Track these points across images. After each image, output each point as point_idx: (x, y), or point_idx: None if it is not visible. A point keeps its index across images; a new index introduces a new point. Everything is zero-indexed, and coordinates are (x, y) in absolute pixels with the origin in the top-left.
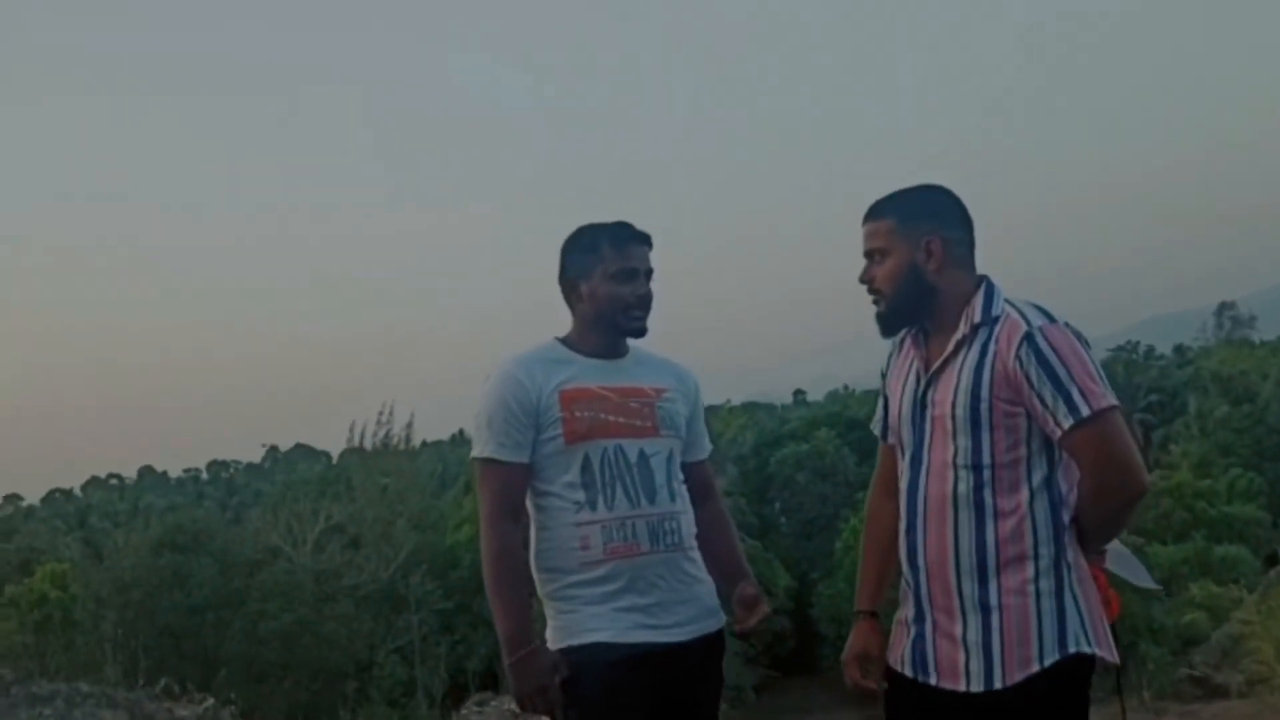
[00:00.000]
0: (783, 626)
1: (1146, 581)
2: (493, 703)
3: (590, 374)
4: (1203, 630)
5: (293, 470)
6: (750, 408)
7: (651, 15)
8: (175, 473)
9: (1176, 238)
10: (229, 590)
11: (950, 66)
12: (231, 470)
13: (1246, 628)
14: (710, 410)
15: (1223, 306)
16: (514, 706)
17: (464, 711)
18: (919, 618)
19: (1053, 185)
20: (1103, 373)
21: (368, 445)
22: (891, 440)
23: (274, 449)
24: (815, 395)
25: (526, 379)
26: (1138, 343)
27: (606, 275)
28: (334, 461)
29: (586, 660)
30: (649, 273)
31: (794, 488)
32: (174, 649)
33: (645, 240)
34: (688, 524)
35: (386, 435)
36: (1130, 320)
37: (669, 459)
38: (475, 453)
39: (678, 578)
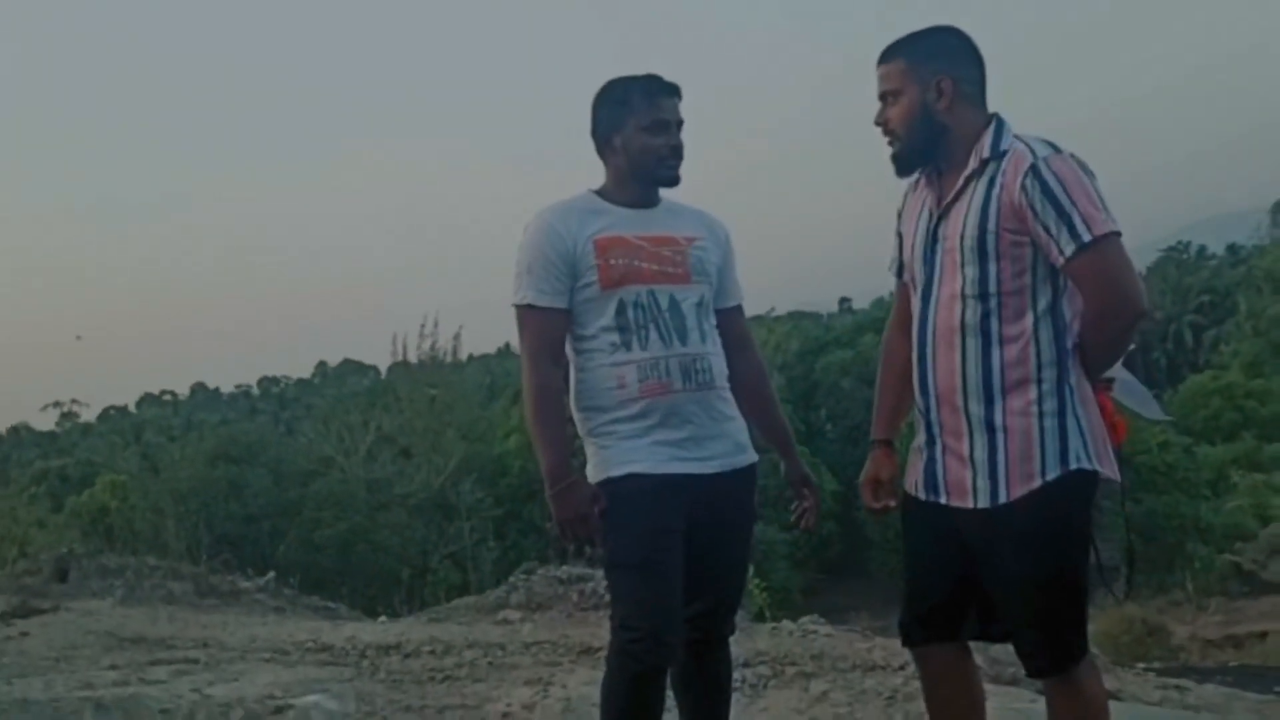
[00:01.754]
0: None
1: (1155, 412)
2: (539, 571)
3: (624, 223)
4: (1250, 527)
5: (342, 385)
6: (796, 316)
7: None
8: (227, 389)
9: (1231, 135)
10: (284, 500)
11: None
12: (282, 385)
13: None
14: (755, 319)
15: (1277, 205)
16: (559, 574)
17: (512, 580)
18: (930, 441)
19: (1105, 83)
20: (1105, 201)
21: (412, 359)
22: (906, 278)
23: (323, 364)
24: (861, 303)
25: (563, 228)
26: (1189, 243)
27: (639, 127)
28: (383, 376)
29: (624, 489)
30: (680, 123)
31: (839, 394)
32: (233, 557)
33: (675, 92)
34: (719, 364)
35: (432, 347)
36: (1184, 220)
37: (699, 304)
38: (515, 299)
39: (709, 414)
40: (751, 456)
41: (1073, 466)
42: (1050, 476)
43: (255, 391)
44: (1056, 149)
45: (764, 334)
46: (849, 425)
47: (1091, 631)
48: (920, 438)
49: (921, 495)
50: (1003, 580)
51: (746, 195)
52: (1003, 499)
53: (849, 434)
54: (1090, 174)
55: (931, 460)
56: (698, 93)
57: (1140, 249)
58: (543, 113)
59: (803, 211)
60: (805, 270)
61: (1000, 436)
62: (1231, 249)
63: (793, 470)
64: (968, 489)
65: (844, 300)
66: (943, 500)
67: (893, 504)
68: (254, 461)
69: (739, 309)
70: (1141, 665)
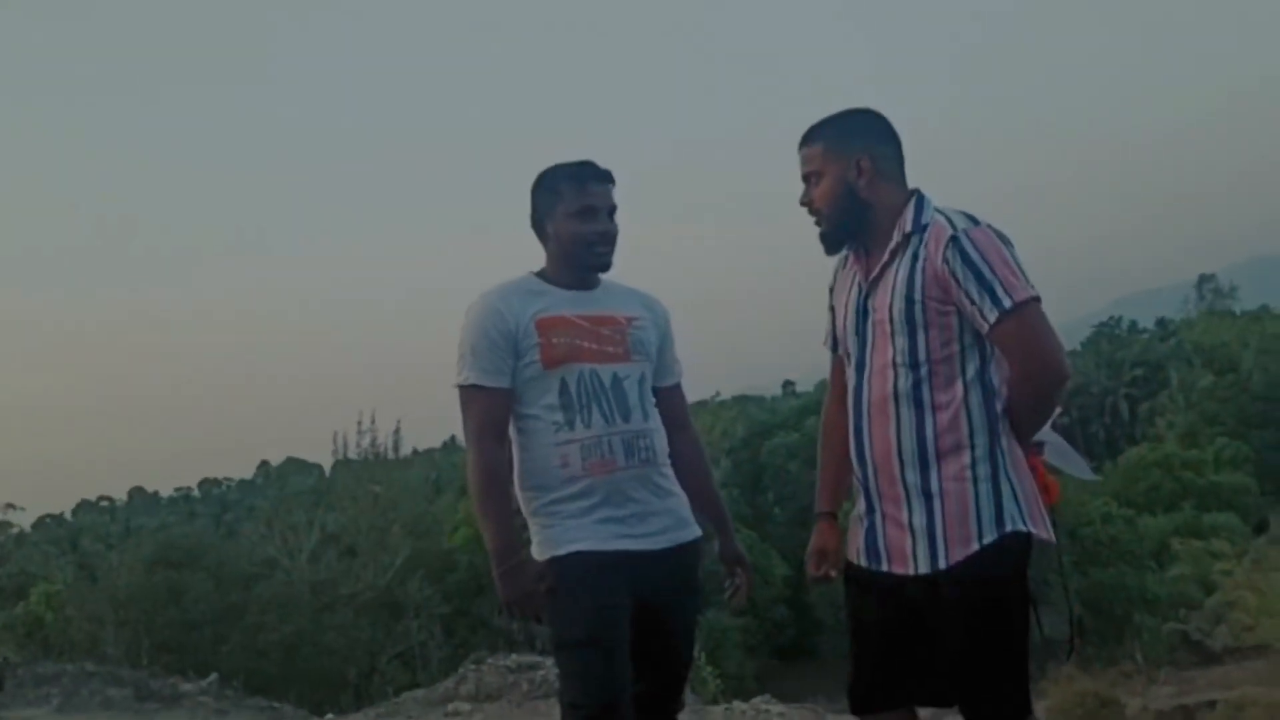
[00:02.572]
0: (781, 615)
1: (1085, 473)
2: (488, 660)
3: (564, 304)
4: (1195, 596)
5: (285, 484)
6: (740, 400)
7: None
8: (166, 492)
9: (1154, 212)
10: (226, 604)
11: (920, 40)
12: (224, 487)
13: (1238, 594)
14: (700, 404)
15: (1202, 279)
16: (508, 663)
17: (461, 670)
18: (870, 510)
19: (1027, 163)
20: (1023, 268)
21: (353, 455)
22: (840, 351)
23: (265, 464)
24: (805, 386)
25: (505, 308)
26: (1120, 318)
27: (568, 214)
28: (326, 474)
29: (569, 567)
30: (611, 210)
31: (786, 477)
32: (174, 665)
33: (606, 178)
34: (660, 441)
35: (372, 443)
36: (1112, 296)
37: (640, 381)
38: (458, 380)
39: (652, 490)
40: (695, 531)
41: (1008, 529)
42: (987, 540)
43: (196, 494)
44: (975, 221)
45: (709, 419)
46: (797, 508)
47: (1044, 706)
48: (860, 506)
49: (863, 563)
50: (945, 643)
51: (688, 277)
52: (942, 564)
53: (797, 517)
54: (1008, 243)
55: (872, 528)
56: (636, 175)
57: (1073, 325)
58: (483, 198)
59: (744, 294)
60: (748, 354)
61: (937, 502)
62: (1161, 323)
63: (726, 548)
64: (908, 555)
65: (788, 383)
66: (884, 567)
67: (834, 574)
68: (194, 566)
69: (678, 387)
70: None
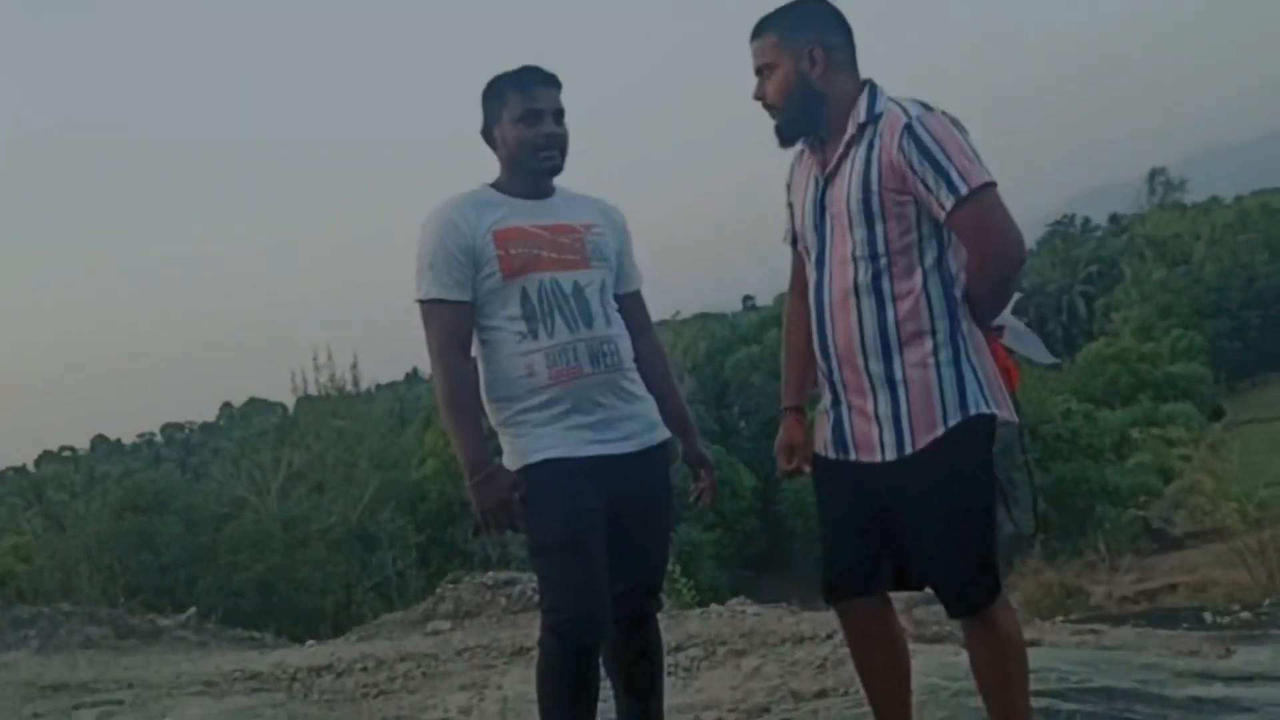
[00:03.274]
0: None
1: (1045, 356)
2: (466, 579)
3: (520, 214)
4: (1154, 486)
5: (249, 425)
6: (702, 318)
7: None
8: (129, 439)
9: (1103, 108)
10: (197, 546)
11: None
12: (187, 431)
13: (1196, 480)
14: (661, 324)
15: (1154, 173)
16: (486, 580)
17: (439, 590)
18: (835, 402)
19: (971, 61)
20: (978, 154)
21: (313, 391)
22: (800, 247)
23: (228, 405)
24: (764, 300)
25: (461, 221)
26: (1074, 216)
27: (514, 119)
28: (290, 412)
29: (542, 475)
30: (558, 113)
31: (750, 390)
32: (150, 606)
33: (552, 82)
34: (625, 346)
35: (331, 379)
36: (1065, 195)
37: (602, 288)
38: (419, 295)
39: (619, 396)
40: (664, 433)
41: (972, 412)
42: (952, 423)
43: (159, 439)
44: (929, 108)
45: (672, 337)
46: (762, 421)
47: (1012, 599)
48: (826, 399)
49: (831, 454)
50: (915, 527)
51: (645, 196)
52: (909, 449)
53: (763, 429)
54: (962, 129)
55: (838, 420)
56: (597, 89)
57: (1028, 225)
58: (431, 126)
59: (702, 212)
60: (707, 271)
61: (902, 390)
62: (1114, 219)
63: (690, 451)
64: (875, 444)
65: (748, 298)
66: (852, 457)
67: (806, 468)
68: (163, 510)
69: (638, 294)
70: (1060, 619)
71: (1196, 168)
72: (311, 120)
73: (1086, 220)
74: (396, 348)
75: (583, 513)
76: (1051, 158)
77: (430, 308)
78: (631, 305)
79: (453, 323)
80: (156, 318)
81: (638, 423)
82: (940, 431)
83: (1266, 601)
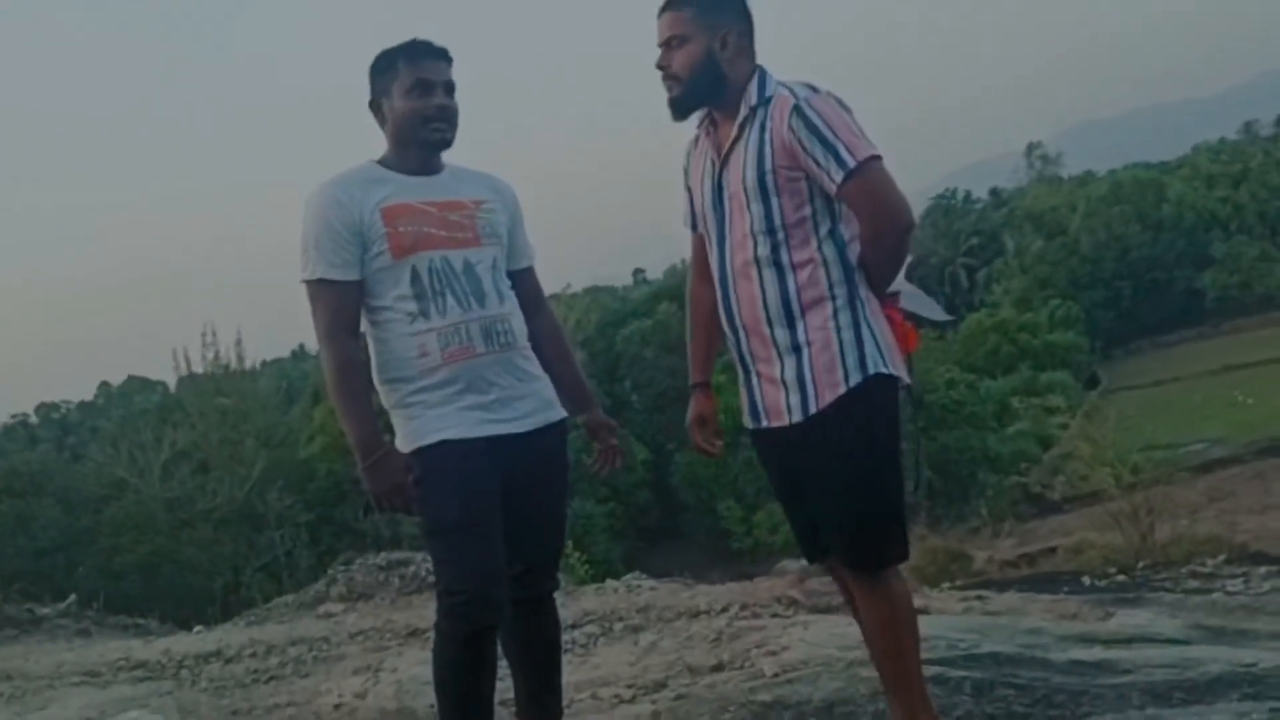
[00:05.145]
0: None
1: (939, 314)
2: (358, 561)
3: (408, 190)
4: (1034, 453)
5: (129, 404)
6: (593, 291)
7: None
8: (1, 419)
9: (979, 84)
10: (77, 529)
11: None
12: (63, 410)
13: (1073, 446)
14: (552, 297)
15: (1031, 147)
16: (379, 561)
17: (331, 572)
18: (746, 372)
19: (849, 36)
20: (864, 130)
21: (197, 369)
22: (700, 229)
23: (106, 385)
24: (655, 273)
25: (346, 198)
26: (955, 189)
27: (403, 90)
28: (171, 390)
29: (436, 456)
30: (448, 85)
31: (642, 364)
32: (28, 593)
33: (441, 55)
34: (519, 324)
35: (216, 357)
36: (948, 168)
37: (494, 266)
38: (305, 275)
39: (514, 375)
40: (560, 412)
41: (871, 371)
42: (854, 382)
43: (34, 419)
44: (815, 89)
45: (563, 310)
46: (654, 394)
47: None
48: (739, 372)
49: (749, 424)
50: (820, 483)
51: (534, 169)
52: (813, 409)
53: (655, 402)
54: (847, 109)
55: (750, 389)
56: (484, 54)
57: (913, 197)
58: (318, 76)
59: (592, 184)
60: (598, 245)
61: (805, 353)
62: (994, 193)
63: (592, 418)
64: (783, 409)
65: (638, 271)
66: (764, 424)
67: (718, 442)
68: (39, 493)
69: (531, 270)
70: (946, 585)
71: (1071, 141)
72: (188, 86)
73: (968, 194)
74: (281, 323)
75: (478, 494)
76: (929, 133)
77: (317, 288)
78: (525, 282)
79: (340, 303)
80: (26, 291)
81: (533, 401)
82: (842, 390)
83: (1140, 564)
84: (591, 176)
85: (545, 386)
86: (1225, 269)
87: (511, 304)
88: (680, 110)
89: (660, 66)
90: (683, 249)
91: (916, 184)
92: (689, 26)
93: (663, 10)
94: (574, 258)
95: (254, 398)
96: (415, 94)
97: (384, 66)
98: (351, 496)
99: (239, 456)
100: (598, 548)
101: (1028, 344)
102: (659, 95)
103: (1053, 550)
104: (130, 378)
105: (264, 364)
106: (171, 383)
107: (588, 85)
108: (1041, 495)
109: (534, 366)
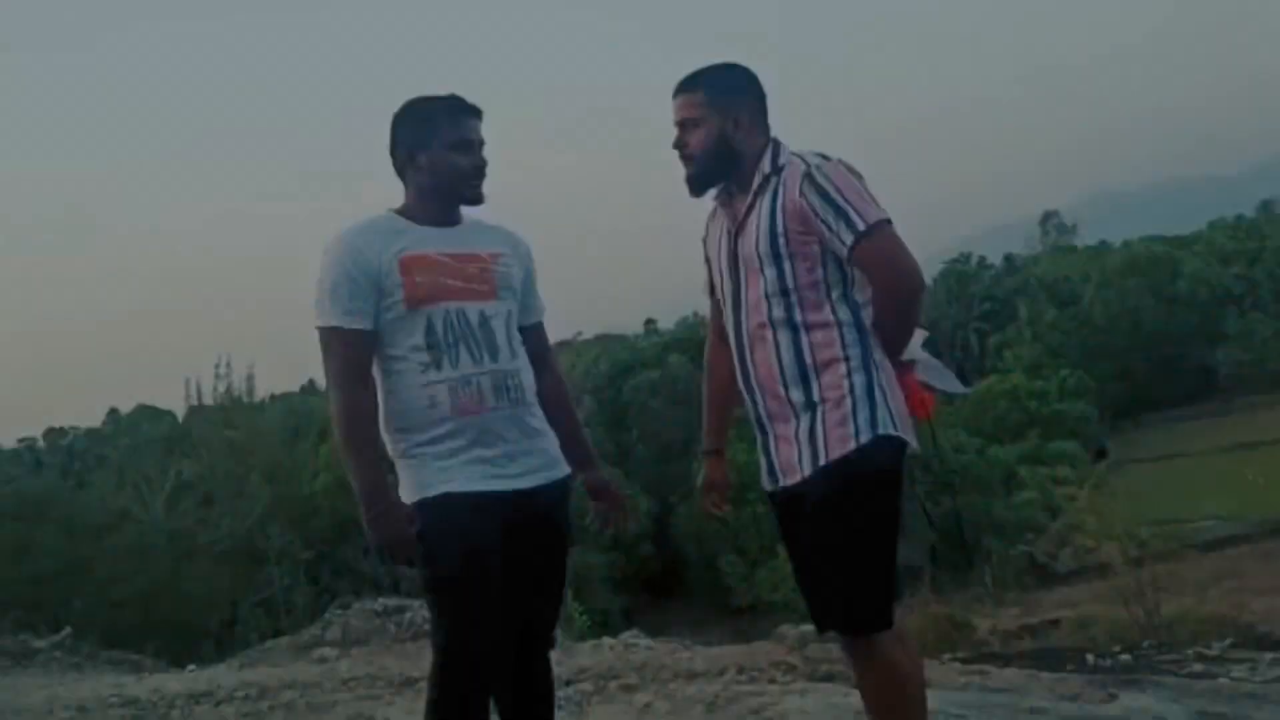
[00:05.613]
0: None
1: (956, 387)
2: (355, 605)
3: (427, 241)
4: (1040, 521)
5: (137, 433)
6: (603, 339)
7: None
8: (9, 443)
9: (1002, 151)
10: (76, 557)
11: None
12: (70, 436)
13: (1080, 518)
14: (563, 344)
15: (1046, 215)
16: (376, 606)
17: (327, 615)
18: (763, 433)
19: (868, 108)
20: (873, 195)
21: (208, 400)
22: (718, 295)
23: (115, 412)
24: (666, 324)
25: (365, 246)
26: (969, 254)
27: (444, 145)
28: (179, 421)
29: (440, 509)
30: (482, 143)
31: (649, 414)
32: (24, 622)
33: (477, 113)
34: (529, 379)
35: (228, 389)
36: (963, 233)
37: (508, 319)
38: (319, 322)
39: (521, 430)
40: (564, 469)
41: (881, 431)
42: (863, 439)
43: (41, 444)
44: (826, 157)
45: (572, 358)
46: (660, 445)
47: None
48: (756, 435)
49: (767, 486)
50: (811, 535)
51: (550, 215)
52: (822, 461)
53: (661, 454)
54: (858, 175)
55: (767, 450)
56: (502, 99)
57: (924, 263)
58: (339, 138)
59: (607, 233)
60: (610, 293)
61: (820, 410)
62: (1008, 259)
63: (592, 478)
64: (795, 465)
65: (649, 321)
66: (781, 482)
67: (728, 508)
68: (42, 519)
69: (540, 325)
70: (947, 656)
71: (1087, 210)
72: (207, 106)
73: (982, 259)
74: (292, 357)
75: (480, 550)
76: (948, 197)
77: (330, 335)
78: (533, 337)
79: (353, 351)
80: (43, 318)
81: (538, 458)
82: (851, 445)
83: (1145, 643)
84: (606, 223)
85: (551, 443)
86: (1239, 345)
87: (523, 359)
88: (696, 188)
89: (676, 146)
90: (695, 302)
91: (930, 248)
92: (701, 110)
93: (676, 92)
94: (586, 304)
95: (262, 431)
96: (459, 150)
97: (421, 118)
98: (353, 536)
99: (243, 490)
100: (598, 598)
101: (1037, 411)
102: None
103: (1056, 622)
104: (140, 406)
105: (273, 397)
106: (180, 413)
107: (607, 130)
108: (1046, 565)
109: (540, 423)
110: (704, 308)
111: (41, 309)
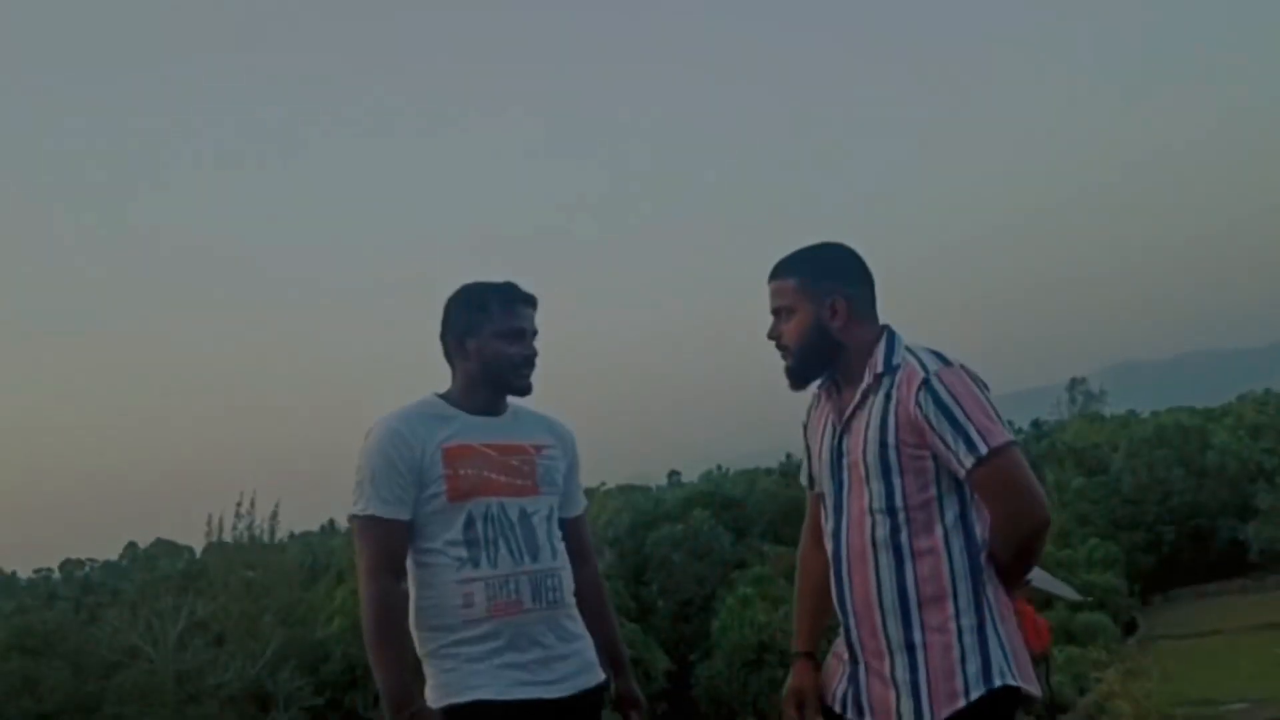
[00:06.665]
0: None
1: (1071, 594)
2: None
3: (472, 431)
4: (1068, 697)
5: (153, 567)
6: (626, 490)
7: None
8: (25, 574)
9: (1028, 318)
10: (83, 694)
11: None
12: (87, 569)
13: (1113, 703)
14: (587, 493)
15: (1074, 382)
16: None
17: None
18: (853, 660)
19: (894, 260)
20: (997, 410)
21: (228, 538)
22: (817, 490)
23: (133, 545)
24: (690, 476)
25: (410, 435)
26: None
27: (495, 333)
28: (197, 557)
29: (469, 717)
30: (534, 333)
31: (670, 568)
32: None
33: (532, 301)
34: (568, 580)
35: (249, 527)
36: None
37: (549, 516)
38: (355, 510)
39: (558, 634)
40: (599, 675)
41: (996, 684)
42: (974, 695)
43: (57, 576)
44: (947, 361)
45: (595, 508)
46: (680, 600)
47: None
48: (843, 653)
49: (848, 715)
50: None
51: (578, 364)
52: (926, 719)
53: (680, 610)
54: (982, 385)
55: (855, 680)
56: (525, 254)
57: None
58: (361, 277)
59: (632, 384)
60: (635, 443)
61: (920, 654)
62: (1036, 424)
63: (623, 687)
64: (892, 710)
65: (673, 473)
66: None
67: (812, 716)
68: (51, 653)
69: (582, 519)
70: None
71: (1113, 379)
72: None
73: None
74: (313, 496)
75: None
76: (976, 360)
77: (366, 524)
78: (573, 530)
79: (388, 543)
80: (60, 450)
81: (574, 663)
82: (961, 704)
83: None
84: (632, 375)
85: (587, 647)
86: (1270, 522)
87: (563, 558)
88: (796, 381)
89: (771, 336)
90: (718, 455)
91: None
92: (794, 297)
93: (771, 277)
94: (611, 454)
95: (279, 571)
96: (509, 339)
97: (475, 304)
98: (363, 684)
99: (256, 632)
100: None
101: (1066, 582)
102: (711, 309)
103: None
104: (158, 540)
105: (291, 536)
106: (199, 548)
107: (644, 271)
108: None
109: (578, 626)
110: (728, 461)
111: (60, 439)
